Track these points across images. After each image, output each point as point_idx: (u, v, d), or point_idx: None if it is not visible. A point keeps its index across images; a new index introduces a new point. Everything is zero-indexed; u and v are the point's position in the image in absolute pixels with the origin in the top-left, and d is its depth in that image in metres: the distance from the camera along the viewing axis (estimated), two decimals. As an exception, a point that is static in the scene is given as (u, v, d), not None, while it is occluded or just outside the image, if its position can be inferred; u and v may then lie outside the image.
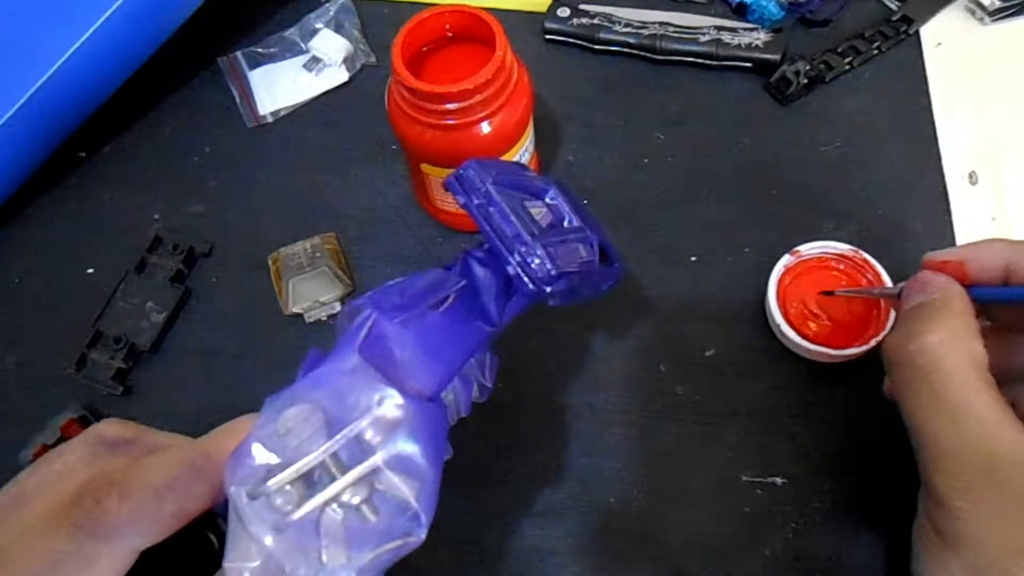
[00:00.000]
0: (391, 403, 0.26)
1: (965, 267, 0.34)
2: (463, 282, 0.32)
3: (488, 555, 0.41)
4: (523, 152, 0.46)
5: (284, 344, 0.48)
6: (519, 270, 0.31)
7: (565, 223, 0.36)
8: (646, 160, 0.53)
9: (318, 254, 0.49)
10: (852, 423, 0.43)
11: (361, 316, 0.29)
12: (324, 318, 0.48)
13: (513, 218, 0.32)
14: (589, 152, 0.53)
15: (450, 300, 0.31)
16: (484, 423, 0.42)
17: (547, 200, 0.36)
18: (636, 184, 0.52)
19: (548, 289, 0.31)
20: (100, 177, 0.55)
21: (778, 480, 0.42)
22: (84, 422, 0.45)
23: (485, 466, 0.43)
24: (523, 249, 0.31)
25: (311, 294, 0.48)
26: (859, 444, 0.42)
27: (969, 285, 0.34)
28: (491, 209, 0.32)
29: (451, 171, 0.44)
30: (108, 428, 0.31)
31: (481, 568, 0.41)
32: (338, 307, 0.48)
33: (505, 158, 0.45)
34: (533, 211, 0.34)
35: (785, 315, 0.44)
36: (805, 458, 0.42)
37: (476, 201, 0.32)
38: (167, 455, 0.29)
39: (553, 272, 0.31)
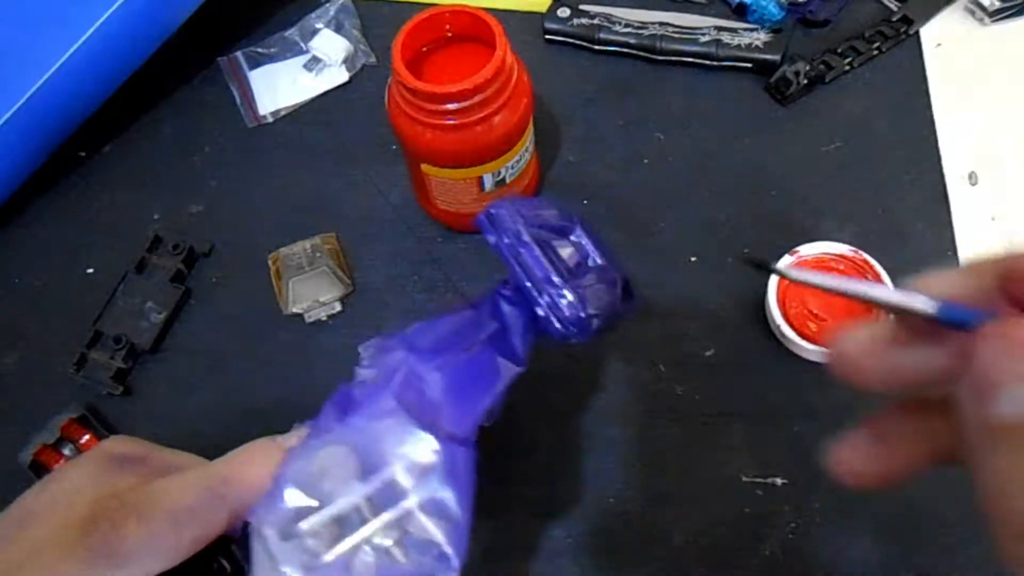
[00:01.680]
0: (425, 448, 0.27)
1: None
2: (496, 326, 0.32)
3: (488, 555, 0.41)
4: (523, 152, 0.46)
5: (284, 344, 0.48)
6: (548, 312, 0.31)
7: (589, 261, 0.36)
8: (646, 160, 0.53)
9: (318, 254, 0.49)
10: (852, 423, 0.43)
11: (395, 358, 0.29)
12: (324, 318, 0.48)
13: (543, 259, 0.32)
14: (589, 152, 0.53)
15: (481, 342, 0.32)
16: (484, 423, 0.42)
17: (572, 239, 0.36)
18: (636, 184, 0.52)
19: (576, 332, 0.31)
20: (100, 177, 0.55)
21: (778, 480, 0.42)
22: (84, 422, 0.45)
23: (485, 466, 0.43)
24: (553, 291, 0.31)
25: (311, 294, 0.48)
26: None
27: None
28: (521, 250, 0.32)
29: (450, 171, 0.45)
30: (117, 445, 0.30)
31: (481, 568, 0.41)
32: (338, 307, 0.48)
33: (505, 158, 0.45)
34: (561, 251, 0.34)
35: (785, 315, 0.44)
36: (805, 458, 0.42)
37: (506, 241, 0.32)
38: (185, 479, 0.28)
39: (583, 315, 0.31)
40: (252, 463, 0.28)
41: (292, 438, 0.31)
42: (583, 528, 0.41)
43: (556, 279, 0.31)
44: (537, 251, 0.32)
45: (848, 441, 0.24)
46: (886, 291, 0.20)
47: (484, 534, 0.42)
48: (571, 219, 0.37)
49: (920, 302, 0.20)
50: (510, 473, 0.43)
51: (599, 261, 0.36)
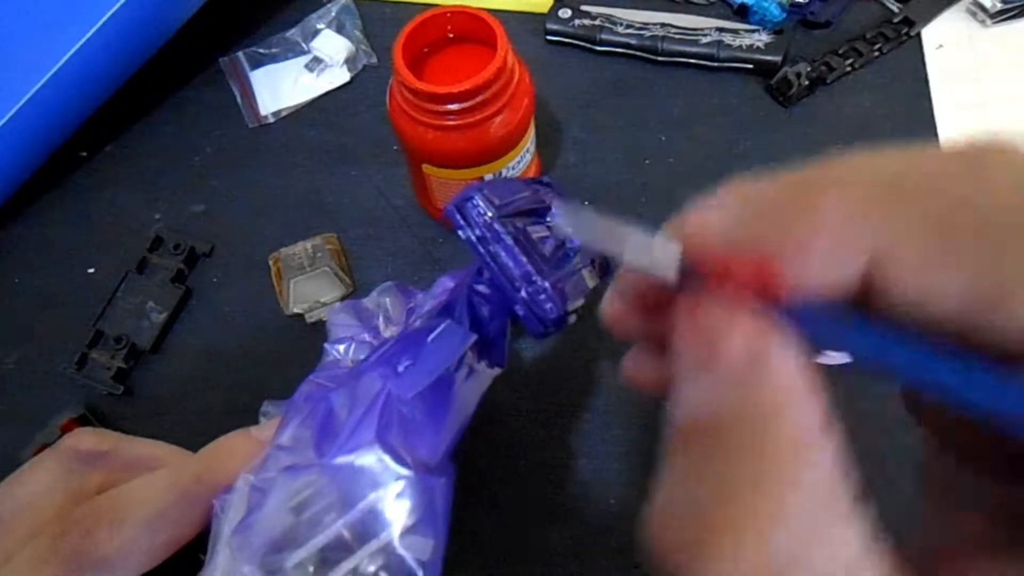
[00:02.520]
0: (403, 483, 0.27)
1: (774, 269, 0.15)
2: (476, 337, 0.31)
3: (488, 555, 0.41)
4: (524, 153, 0.46)
5: (284, 344, 0.48)
6: (527, 310, 0.30)
7: (567, 242, 0.35)
8: (647, 161, 0.53)
9: (319, 254, 0.49)
10: (851, 424, 0.43)
11: (374, 383, 0.29)
12: (325, 318, 0.48)
13: (519, 254, 0.30)
14: (590, 153, 0.53)
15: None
16: (484, 423, 0.41)
17: (548, 221, 0.35)
18: (637, 185, 0.52)
19: (555, 328, 0.30)
20: (101, 177, 0.55)
21: (779, 481, 0.42)
22: (84, 422, 0.45)
23: (485, 467, 0.43)
24: (529, 289, 0.30)
25: (312, 294, 0.48)
26: (858, 444, 0.42)
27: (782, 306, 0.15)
28: (495, 247, 0.30)
29: (452, 171, 0.45)
30: (81, 441, 0.29)
31: (481, 568, 0.41)
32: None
33: (506, 159, 0.45)
34: (536, 236, 0.33)
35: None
36: (806, 460, 0.42)
37: (478, 233, 0.31)
38: (157, 481, 0.27)
39: (562, 313, 0.30)
40: (227, 459, 0.28)
41: (266, 429, 0.30)
42: (583, 528, 0.41)
43: (533, 275, 0.30)
44: (511, 242, 0.30)
45: (634, 350, 0.21)
46: (636, 251, 0.16)
47: (484, 534, 0.42)
48: (547, 195, 0.35)
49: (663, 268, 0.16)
50: (510, 474, 0.43)
51: (577, 242, 0.35)
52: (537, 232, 0.34)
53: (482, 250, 0.31)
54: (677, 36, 0.55)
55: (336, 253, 0.49)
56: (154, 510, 0.26)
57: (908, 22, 0.56)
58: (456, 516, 0.42)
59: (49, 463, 0.28)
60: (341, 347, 0.35)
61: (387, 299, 0.37)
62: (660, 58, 0.55)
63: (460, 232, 0.31)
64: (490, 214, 0.31)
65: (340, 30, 0.59)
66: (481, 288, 0.32)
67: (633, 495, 0.42)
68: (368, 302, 0.37)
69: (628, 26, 0.56)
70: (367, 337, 0.36)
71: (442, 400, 0.29)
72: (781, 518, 0.13)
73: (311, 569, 0.25)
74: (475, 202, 0.31)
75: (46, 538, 0.26)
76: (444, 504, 0.28)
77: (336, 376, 0.32)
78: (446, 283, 0.36)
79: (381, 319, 0.37)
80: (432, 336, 0.31)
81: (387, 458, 0.27)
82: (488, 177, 0.45)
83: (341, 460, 0.27)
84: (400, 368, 0.29)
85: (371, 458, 0.27)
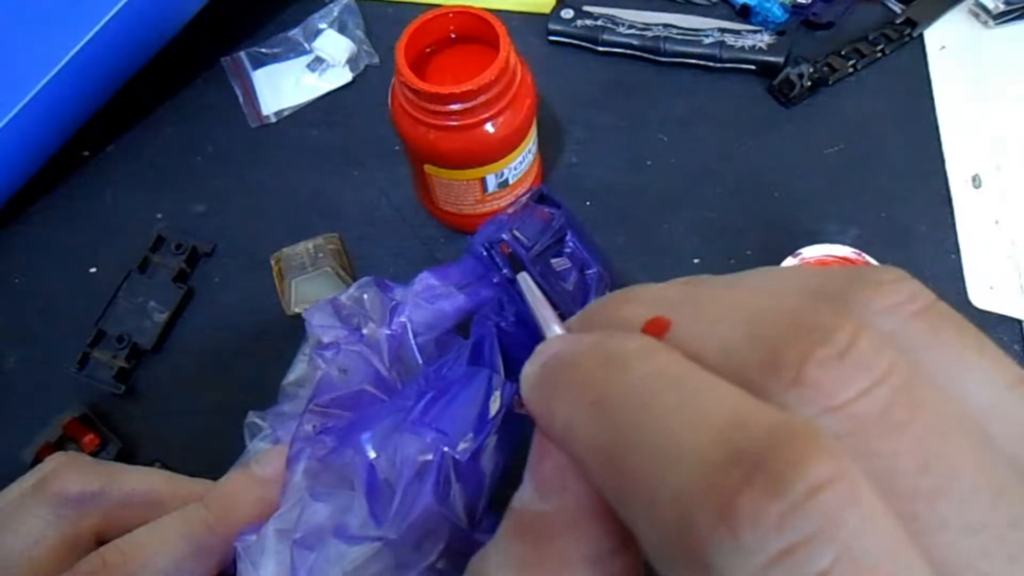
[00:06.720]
0: (457, 543, 0.27)
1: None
2: (515, 388, 0.31)
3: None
4: (526, 153, 0.46)
5: (286, 344, 0.48)
6: None
7: (586, 270, 0.36)
8: (649, 162, 0.53)
9: (320, 254, 0.49)
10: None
11: (422, 447, 0.28)
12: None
13: (551, 293, 0.31)
14: (592, 153, 0.53)
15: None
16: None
17: (566, 250, 0.36)
18: (639, 186, 0.52)
19: None
20: (103, 176, 0.55)
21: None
22: (86, 421, 0.45)
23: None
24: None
25: (313, 294, 0.48)
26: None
27: None
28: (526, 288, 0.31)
29: (453, 172, 0.45)
30: (69, 483, 0.28)
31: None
32: (340, 307, 0.48)
33: (508, 159, 0.45)
34: (560, 268, 0.34)
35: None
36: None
37: (507, 274, 0.31)
38: (168, 531, 0.27)
39: None
40: (236, 504, 0.28)
41: (266, 465, 0.29)
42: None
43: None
44: (543, 284, 0.31)
45: None
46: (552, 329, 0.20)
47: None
48: (558, 219, 0.36)
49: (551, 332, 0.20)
50: (511, 475, 0.43)
51: (593, 267, 0.36)
52: (560, 265, 0.34)
53: (518, 290, 0.31)
54: (679, 37, 0.55)
55: (338, 253, 0.49)
56: (168, 563, 0.26)
57: (910, 23, 0.56)
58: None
59: (38, 509, 0.27)
60: (329, 354, 0.35)
61: (366, 295, 0.36)
62: (662, 59, 0.55)
63: (492, 274, 0.32)
64: (520, 252, 0.32)
65: (342, 30, 0.59)
66: (507, 326, 0.32)
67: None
68: (346, 298, 0.36)
69: (630, 26, 0.55)
70: (354, 344, 0.35)
71: (488, 452, 0.29)
72: None
73: None
74: (502, 243, 0.32)
75: None
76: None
77: (338, 399, 0.31)
78: (428, 279, 0.36)
79: (360, 318, 0.36)
80: (473, 390, 0.30)
81: (442, 522, 0.27)
82: (490, 177, 0.45)
83: (399, 527, 0.26)
84: (446, 427, 0.29)
85: (427, 522, 0.26)
